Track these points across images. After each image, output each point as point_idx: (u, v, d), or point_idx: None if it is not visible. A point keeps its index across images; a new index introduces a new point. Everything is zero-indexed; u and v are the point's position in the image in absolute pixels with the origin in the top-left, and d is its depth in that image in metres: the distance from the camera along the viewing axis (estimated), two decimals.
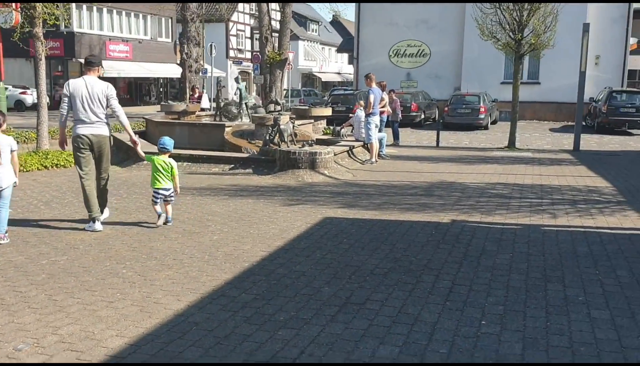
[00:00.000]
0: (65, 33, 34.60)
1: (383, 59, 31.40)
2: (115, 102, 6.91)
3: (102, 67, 7.16)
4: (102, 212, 7.14)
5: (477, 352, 3.67)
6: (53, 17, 12.94)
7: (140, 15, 41.46)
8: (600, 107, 22.27)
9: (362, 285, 4.90)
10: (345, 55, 54.68)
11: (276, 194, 9.04)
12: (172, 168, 7.00)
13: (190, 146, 13.22)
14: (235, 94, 14.92)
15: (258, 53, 29.46)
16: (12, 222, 6.70)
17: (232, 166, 11.26)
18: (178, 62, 33.88)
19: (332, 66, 66.04)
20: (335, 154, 11.73)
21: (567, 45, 23.01)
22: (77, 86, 6.82)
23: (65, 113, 6.89)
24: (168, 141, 7.17)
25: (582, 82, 15.68)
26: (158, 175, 6.96)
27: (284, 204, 8.24)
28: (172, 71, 41.49)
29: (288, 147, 10.95)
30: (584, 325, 4.08)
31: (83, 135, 6.83)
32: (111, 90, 6.93)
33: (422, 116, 25.43)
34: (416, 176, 11.04)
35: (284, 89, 29.13)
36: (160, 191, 6.96)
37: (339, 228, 6.88)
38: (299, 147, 10.79)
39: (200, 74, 30.59)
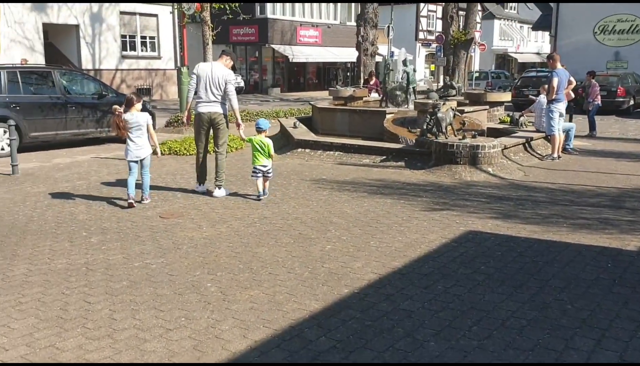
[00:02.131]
0: (259, 19, 36.03)
1: (586, 36, 27.57)
2: (230, 87, 7.53)
3: (230, 58, 7.70)
4: (219, 187, 7.68)
5: None
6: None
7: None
8: None
9: (482, 345, 3.56)
10: (547, 34, 49.89)
11: (422, 194, 7.79)
12: (268, 147, 7.42)
13: (350, 134, 12.52)
14: (402, 78, 13.75)
15: (442, 34, 27.68)
16: (145, 210, 6.91)
17: (384, 157, 10.18)
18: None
19: (531, 45, 60.88)
20: (505, 148, 10.04)
21: None
22: (204, 68, 7.53)
23: (193, 90, 7.55)
24: (262, 122, 7.59)
25: None
26: (256, 153, 7.42)
27: (425, 209, 6.98)
28: (354, 55, 41.25)
29: (446, 138, 9.55)
30: None
31: (201, 112, 7.52)
32: (230, 76, 7.51)
33: (632, 102, 21.76)
34: (606, 179, 8.95)
35: (469, 72, 27.07)
36: (259, 167, 7.44)
37: (481, 247, 5.48)
38: (459, 139, 9.31)
39: (388, 57, 29.67)
